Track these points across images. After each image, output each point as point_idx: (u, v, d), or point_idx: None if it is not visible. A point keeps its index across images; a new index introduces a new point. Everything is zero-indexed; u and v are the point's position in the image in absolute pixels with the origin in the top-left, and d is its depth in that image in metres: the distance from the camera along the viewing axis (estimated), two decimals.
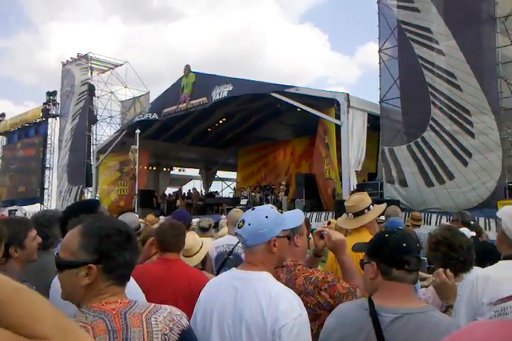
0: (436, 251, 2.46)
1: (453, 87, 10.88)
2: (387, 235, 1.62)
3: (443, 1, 11.45)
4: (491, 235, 6.04)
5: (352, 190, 12.18)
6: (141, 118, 18.77)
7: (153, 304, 1.31)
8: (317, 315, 1.86)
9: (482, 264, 2.52)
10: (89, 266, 1.24)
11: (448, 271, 2.27)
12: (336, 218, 9.80)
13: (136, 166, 17.20)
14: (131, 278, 1.99)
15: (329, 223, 3.15)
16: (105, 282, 1.27)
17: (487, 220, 9.30)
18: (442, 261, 2.41)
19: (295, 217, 1.83)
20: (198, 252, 3.51)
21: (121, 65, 25.26)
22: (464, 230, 3.86)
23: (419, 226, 6.36)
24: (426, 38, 11.45)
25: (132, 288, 2.00)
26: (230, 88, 15.68)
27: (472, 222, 5.43)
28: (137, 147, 16.80)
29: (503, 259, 2.01)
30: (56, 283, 1.94)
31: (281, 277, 2.03)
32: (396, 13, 12.13)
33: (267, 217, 1.67)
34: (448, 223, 8.35)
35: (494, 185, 10.27)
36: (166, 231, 2.84)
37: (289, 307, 1.53)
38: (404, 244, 1.56)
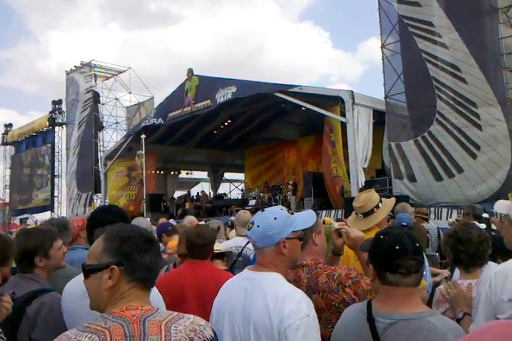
0: (446, 244, 2.45)
1: (458, 80, 10.80)
2: (381, 236, 1.54)
3: None
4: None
5: (360, 186, 12.14)
6: (147, 124, 18.86)
7: (175, 313, 1.29)
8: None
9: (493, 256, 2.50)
10: (112, 267, 1.26)
11: (467, 283, 2.23)
12: (345, 216, 9.76)
13: (144, 171, 17.27)
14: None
15: (324, 222, 3.08)
16: (127, 284, 1.27)
17: (498, 213, 9.21)
18: (452, 255, 2.39)
19: (306, 218, 1.80)
20: None
21: (124, 71, 25.39)
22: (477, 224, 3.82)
23: (426, 220, 6.29)
24: (428, 32, 11.38)
25: (154, 295, 2.01)
26: (234, 90, 15.69)
27: (486, 215, 5.36)
28: (143, 152, 16.87)
29: None
30: (67, 290, 1.96)
31: (303, 277, 2.00)
32: (397, 8, 12.07)
33: (275, 218, 1.66)
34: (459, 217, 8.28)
35: (504, 176, 10.17)
36: (192, 241, 2.83)
37: (295, 307, 1.51)
38: (397, 247, 1.47)
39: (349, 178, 12.95)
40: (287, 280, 1.85)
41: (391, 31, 12.30)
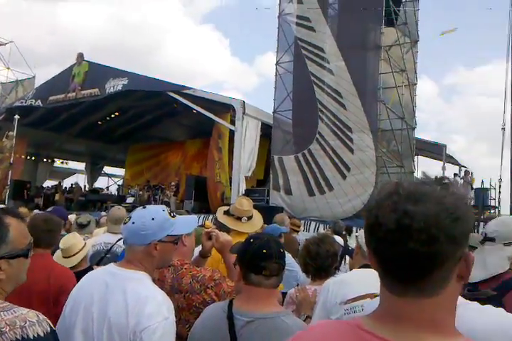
0: (300, 256, 2.73)
1: (339, 105, 11.76)
2: (252, 240, 1.64)
3: (336, 25, 12.38)
4: None
5: (240, 194, 12.47)
6: (23, 104, 17.28)
7: (5, 304, 1.20)
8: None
9: None
10: None
11: (313, 289, 2.49)
12: None
13: (12, 154, 15.77)
14: None
15: (202, 225, 3.16)
16: None
17: (358, 229, 10.15)
18: (302, 265, 2.68)
19: (186, 224, 1.80)
20: (77, 253, 3.34)
21: (5, 44, 23.02)
22: (337, 238, 4.31)
23: (297, 232, 6.74)
24: (319, 57, 12.24)
25: None
26: (126, 82, 15.15)
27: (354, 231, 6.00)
28: (14, 134, 15.42)
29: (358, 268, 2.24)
30: None
31: (168, 276, 2.01)
32: (294, 29, 12.78)
33: (153, 219, 1.63)
34: (324, 231, 9.00)
35: (367, 198, 11.23)
36: (38, 226, 2.67)
37: (155, 310, 1.50)
38: (264, 251, 1.58)
39: (231, 185, 13.24)
40: (152, 280, 1.87)
41: (286, 50, 12.99)
